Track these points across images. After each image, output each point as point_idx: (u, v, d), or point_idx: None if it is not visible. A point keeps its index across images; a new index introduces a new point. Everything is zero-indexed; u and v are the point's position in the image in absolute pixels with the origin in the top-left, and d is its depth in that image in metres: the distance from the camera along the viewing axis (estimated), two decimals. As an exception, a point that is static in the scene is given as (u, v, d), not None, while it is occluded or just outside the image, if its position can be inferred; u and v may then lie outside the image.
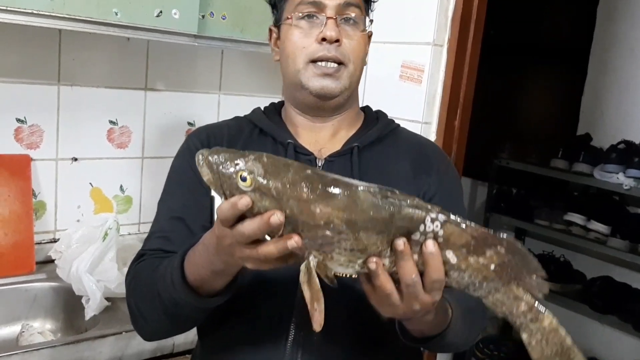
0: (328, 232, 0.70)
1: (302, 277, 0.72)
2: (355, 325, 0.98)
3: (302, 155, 1.03)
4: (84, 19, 1.45)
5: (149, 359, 1.38)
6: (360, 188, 0.71)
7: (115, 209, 1.93)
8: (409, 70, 1.80)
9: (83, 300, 1.52)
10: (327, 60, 1.00)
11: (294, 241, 0.69)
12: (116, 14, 1.49)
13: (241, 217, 0.72)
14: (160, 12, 1.55)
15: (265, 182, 0.70)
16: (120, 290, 1.54)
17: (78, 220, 1.84)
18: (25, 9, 1.37)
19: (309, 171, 0.72)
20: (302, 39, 1.01)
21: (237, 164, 0.71)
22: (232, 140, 1.07)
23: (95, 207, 1.89)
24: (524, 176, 3.13)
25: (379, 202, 0.71)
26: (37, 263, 1.70)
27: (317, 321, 0.73)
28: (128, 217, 1.96)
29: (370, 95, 1.89)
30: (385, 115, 1.16)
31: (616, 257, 2.74)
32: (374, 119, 1.12)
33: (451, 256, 0.73)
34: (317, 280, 0.72)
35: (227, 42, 1.74)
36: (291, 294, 0.96)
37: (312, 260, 0.72)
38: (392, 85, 1.83)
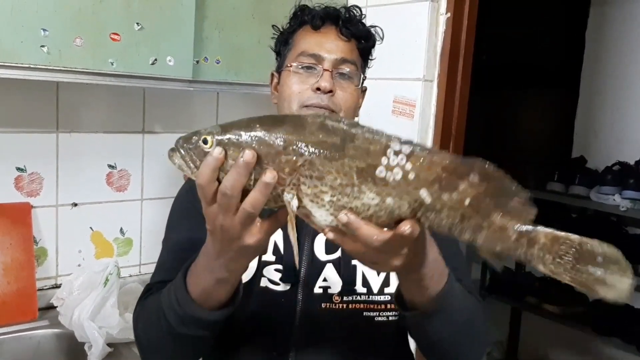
0: (287, 157, 0.70)
1: (289, 225, 0.72)
2: (352, 356, 0.99)
3: None
4: (80, 70, 1.49)
5: (153, 406, 1.37)
6: (308, 116, 0.73)
7: (115, 252, 1.95)
8: (401, 106, 1.83)
9: (86, 347, 1.52)
10: (319, 107, 1.05)
11: (268, 174, 0.69)
12: (112, 63, 1.52)
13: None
14: (155, 59, 1.58)
15: (224, 136, 0.72)
16: (122, 336, 1.55)
17: (79, 265, 1.85)
18: (22, 63, 1.40)
19: (259, 116, 0.74)
20: (298, 85, 1.07)
21: (196, 134, 0.74)
22: None
23: (96, 251, 1.90)
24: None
25: (328, 126, 0.71)
26: (39, 309, 1.71)
27: (296, 258, 0.77)
28: (129, 259, 1.98)
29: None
30: None
31: (617, 278, 2.74)
32: None
33: (425, 195, 0.69)
34: (293, 218, 0.72)
35: (222, 85, 1.77)
36: (288, 326, 1.00)
37: (287, 197, 0.71)
38: (385, 120, 1.86)
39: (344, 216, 0.69)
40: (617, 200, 2.64)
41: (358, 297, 1.01)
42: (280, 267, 1.03)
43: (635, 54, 3.00)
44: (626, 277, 0.68)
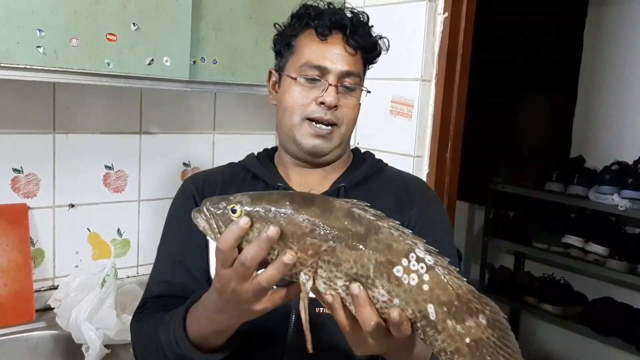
0: (312, 240, 0.72)
1: (301, 304, 0.74)
2: None
3: None
4: (77, 71, 1.48)
5: (150, 407, 1.37)
6: (338, 200, 0.75)
7: (113, 253, 1.94)
8: (399, 106, 1.82)
9: (83, 349, 1.52)
10: (322, 122, 1.05)
11: (288, 255, 0.72)
12: (108, 64, 1.52)
13: None
14: (152, 60, 1.58)
15: (252, 207, 0.74)
16: (120, 337, 1.54)
17: (76, 266, 1.85)
18: (19, 64, 1.39)
19: (290, 192, 0.78)
20: (302, 98, 1.06)
21: (225, 201, 0.76)
22: (226, 184, 1.12)
23: (94, 252, 1.90)
24: (520, 199, 3.15)
25: (354, 214, 0.72)
26: (37, 311, 1.70)
27: (308, 341, 0.75)
28: (126, 260, 1.97)
29: (362, 131, 1.91)
30: (372, 155, 1.20)
31: (616, 278, 2.74)
32: (361, 160, 1.17)
33: (431, 311, 0.70)
34: (307, 299, 0.73)
35: (219, 85, 1.77)
36: (282, 340, 1.00)
37: (304, 278, 0.73)
38: (384, 121, 1.85)
39: (356, 287, 0.70)
40: (616, 200, 2.63)
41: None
42: None
43: (634, 53, 2.99)
44: None
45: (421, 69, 1.76)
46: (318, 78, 1.06)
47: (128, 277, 1.96)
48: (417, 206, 1.10)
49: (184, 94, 1.98)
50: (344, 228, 0.72)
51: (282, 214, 0.73)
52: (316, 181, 1.11)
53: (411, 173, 1.25)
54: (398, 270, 0.70)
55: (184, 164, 2.06)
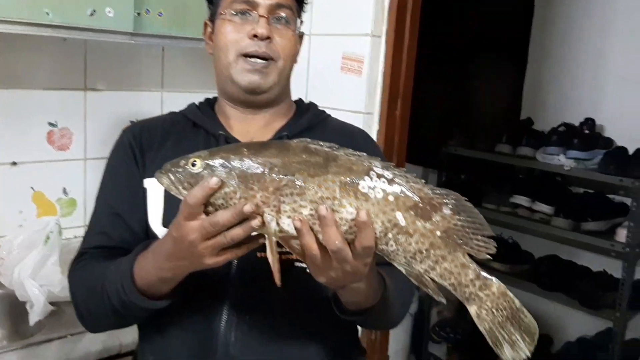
0: (271, 177, 0.75)
1: (267, 244, 0.78)
2: (290, 308, 1.01)
3: None
4: (15, 20, 1.42)
5: (96, 361, 1.37)
6: (292, 141, 0.79)
7: (59, 213, 1.90)
8: (349, 62, 1.82)
9: (27, 306, 1.49)
10: (257, 56, 1.03)
11: (248, 205, 0.75)
12: (48, 14, 1.46)
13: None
14: (94, 10, 1.53)
15: (212, 159, 0.78)
16: (65, 294, 1.50)
17: (21, 226, 1.80)
18: (-50, 11, 1.33)
19: (244, 142, 0.81)
20: (234, 34, 1.04)
21: (185, 158, 0.80)
22: (166, 134, 1.10)
23: (38, 212, 1.85)
24: (472, 162, 3.20)
25: (311, 148, 0.77)
26: (-21, 271, 1.66)
27: (277, 278, 0.80)
28: (73, 220, 1.93)
29: (313, 88, 1.91)
30: (316, 106, 1.19)
31: (561, 236, 2.84)
32: (305, 110, 1.16)
33: (400, 218, 0.74)
34: (272, 240, 0.78)
35: (166, 39, 1.72)
36: (224, 276, 1.00)
37: (268, 218, 0.76)
38: (334, 77, 1.85)
39: (323, 208, 0.73)
40: (562, 160, 2.70)
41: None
42: None
43: (583, 19, 3.05)
44: (528, 350, 0.78)
45: (371, 24, 1.76)
46: (248, 11, 1.03)
47: (75, 237, 1.92)
48: None
49: (130, 50, 1.92)
50: (303, 161, 0.76)
51: (241, 160, 0.77)
52: (258, 130, 1.10)
53: (358, 126, 1.24)
54: (363, 187, 0.75)
55: (132, 122, 2.00)
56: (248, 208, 0.75)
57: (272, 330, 1.01)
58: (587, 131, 2.76)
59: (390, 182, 0.75)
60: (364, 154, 0.77)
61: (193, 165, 0.78)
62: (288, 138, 1.07)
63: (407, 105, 1.81)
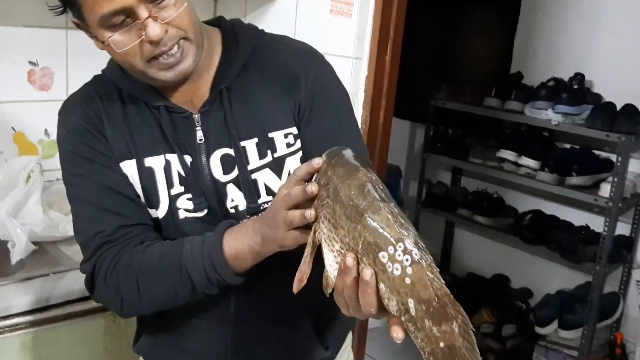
0: (321, 192, 0.78)
1: (307, 254, 0.80)
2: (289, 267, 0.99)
3: (177, 114, 1.00)
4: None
5: (78, 299, 1.36)
6: (364, 171, 0.77)
7: (40, 154, 1.86)
8: (338, 4, 1.77)
9: (9, 245, 1.48)
10: (167, 57, 0.92)
11: (309, 187, 0.78)
12: (25, -58, 1.40)
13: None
14: (74, -59, 1.46)
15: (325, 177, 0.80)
16: (47, 233, 1.50)
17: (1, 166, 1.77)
18: None
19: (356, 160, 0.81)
20: (128, 49, 0.90)
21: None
22: (109, 110, 1.01)
23: (19, 152, 1.82)
24: (460, 116, 3.19)
25: (364, 189, 0.74)
26: (-42, 211, 1.64)
27: (296, 287, 0.81)
28: (55, 162, 1.88)
29: (300, 31, 1.87)
30: (242, 28, 1.06)
31: (545, 190, 2.85)
32: (233, 40, 1.04)
33: (412, 307, 0.70)
34: (314, 245, 0.79)
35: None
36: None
37: (314, 225, 0.79)
38: (323, 20, 1.80)
39: (368, 274, 0.71)
40: (550, 115, 2.69)
41: (266, 206, 0.99)
42: (191, 195, 1.00)
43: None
44: None
45: (362, -34, 1.70)
46: (124, 21, 0.88)
47: (57, 179, 1.89)
48: (304, 86, 1.02)
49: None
50: (349, 196, 0.74)
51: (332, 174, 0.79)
52: (195, 87, 1.01)
53: (295, 40, 1.12)
54: (383, 256, 0.71)
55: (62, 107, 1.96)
56: (309, 189, 0.78)
57: (273, 296, 1.03)
58: (576, 86, 2.74)
59: (414, 263, 0.69)
60: (407, 220, 0.72)
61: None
62: (227, 89, 1.00)
63: (397, 50, 1.77)
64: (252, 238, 0.89)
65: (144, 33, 0.88)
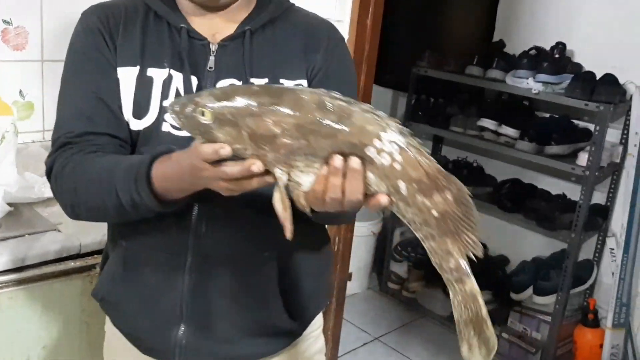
0: (284, 141, 0.75)
1: (275, 196, 0.79)
2: (255, 199, 1.00)
3: (196, 40, 1.03)
4: None
5: (54, 260, 1.35)
6: (306, 91, 0.77)
7: (16, 116, 1.83)
8: (320, -34, 1.75)
9: (-17, 206, 1.46)
10: None
11: (256, 166, 0.76)
12: None
13: None
14: None
15: (221, 110, 0.76)
16: (22, 194, 1.49)
17: (-25, 127, 1.74)
18: None
19: (255, 86, 0.79)
20: None
21: (192, 102, 0.78)
22: (129, 21, 1.05)
23: (-7, 113, 1.78)
24: (441, 85, 3.19)
25: (326, 104, 0.75)
26: None
27: (288, 230, 0.79)
28: (31, 124, 1.87)
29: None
30: None
31: (524, 159, 2.88)
32: (267, 1, 1.10)
33: (402, 187, 0.75)
34: (287, 198, 0.78)
35: None
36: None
37: (279, 173, 0.77)
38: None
39: (357, 162, 0.74)
40: (531, 84, 2.70)
41: None
42: None
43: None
44: (481, 358, 0.81)
45: None
46: None
47: (33, 141, 1.87)
48: (324, 52, 1.07)
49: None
50: (316, 122, 0.75)
51: (252, 117, 0.75)
52: (220, 25, 1.05)
53: (322, 17, 1.17)
54: (370, 151, 0.74)
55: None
56: (255, 168, 0.76)
57: (241, 221, 1.02)
58: (557, 55, 2.75)
59: (401, 150, 0.74)
60: (383, 113, 0.76)
61: (202, 114, 0.77)
62: (251, 32, 1.04)
63: (379, 14, 1.77)
64: (177, 167, 0.88)
65: None
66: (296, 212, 1.01)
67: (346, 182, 0.76)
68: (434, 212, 0.75)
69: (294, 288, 1.12)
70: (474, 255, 0.78)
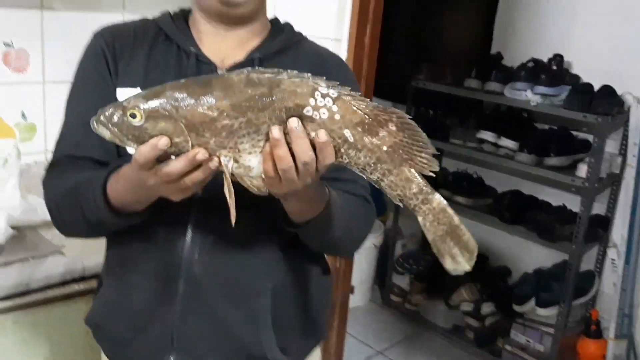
0: (223, 122, 0.76)
1: (225, 185, 0.78)
2: (252, 227, 1.01)
3: (204, 64, 1.04)
4: None
5: (59, 284, 1.36)
6: (233, 74, 0.78)
7: (18, 137, 1.84)
8: (318, -14, 1.77)
9: (-14, 230, 1.46)
10: None
11: (200, 153, 0.76)
12: None
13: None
14: None
15: (151, 107, 0.76)
16: (26, 217, 1.50)
17: (-23, 150, 1.75)
18: None
19: (182, 80, 0.78)
20: None
21: (121, 108, 0.77)
22: (138, 42, 1.06)
23: (-4, 136, 1.80)
24: (440, 97, 3.20)
25: (254, 80, 0.77)
26: None
27: (232, 216, 0.79)
28: (33, 145, 1.88)
29: (282, 10, 1.85)
30: (291, 27, 1.15)
31: (524, 171, 2.89)
32: (280, 30, 1.12)
33: (349, 135, 0.78)
34: (229, 179, 0.78)
35: (126, -45, 1.64)
36: (187, 201, 0.97)
37: (224, 160, 0.77)
38: (303, 1, 1.80)
39: (295, 121, 0.75)
40: (529, 96, 2.71)
41: None
42: None
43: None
44: (467, 265, 0.84)
45: (342, -54, 1.70)
46: None
47: (36, 162, 1.88)
48: (332, 78, 1.08)
49: (88, -34, 1.83)
50: (250, 97, 0.76)
51: (186, 107, 0.76)
52: (230, 48, 1.06)
53: (331, 51, 1.21)
54: (308, 111, 0.77)
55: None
56: (201, 156, 0.76)
57: (234, 249, 1.01)
58: (554, 67, 2.77)
59: (336, 100, 0.77)
60: (308, 74, 0.78)
61: (133, 117, 0.76)
62: (260, 60, 1.04)
63: (377, 31, 1.78)
64: (126, 182, 0.89)
65: None
66: (295, 242, 1.01)
67: (293, 147, 0.76)
68: (384, 147, 0.78)
69: (288, 322, 1.09)
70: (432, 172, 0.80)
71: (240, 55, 1.05)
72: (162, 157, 0.78)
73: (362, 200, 1.06)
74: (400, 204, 0.81)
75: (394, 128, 0.77)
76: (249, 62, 1.04)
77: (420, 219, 0.82)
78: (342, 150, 0.78)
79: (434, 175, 0.80)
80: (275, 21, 1.14)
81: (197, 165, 0.77)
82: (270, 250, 1.04)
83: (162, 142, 0.75)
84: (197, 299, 1.01)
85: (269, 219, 0.99)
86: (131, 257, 1.05)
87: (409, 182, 0.79)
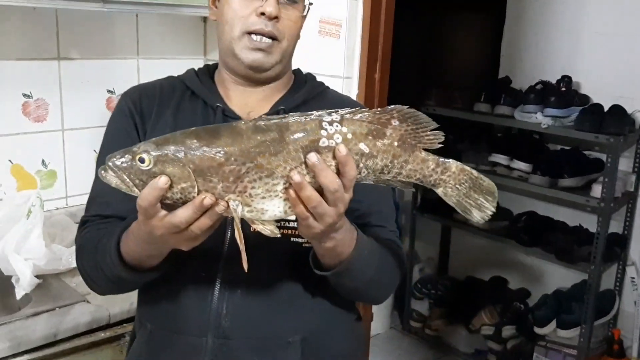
0: (230, 167, 0.77)
1: (235, 229, 0.79)
2: (282, 282, 1.02)
3: (231, 119, 1.06)
4: (-19, -10, 1.39)
5: (85, 332, 1.38)
6: (241, 122, 0.81)
7: (39, 185, 1.89)
8: (327, 26, 1.80)
9: (13, 280, 1.49)
10: (262, 34, 1.02)
11: (207, 198, 0.77)
12: (16, -18, 1.42)
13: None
14: (64, -22, 1.49)
15: (160, 152, 0.77)
16: (51, 267, 1.53)
17: (1, 199, 1.79)
18: None
19: (192, 128, 0.80)
20: (242, 9, 1.02)
21: (131, 153, 0.78)
22: (164, 100, 1.10)
23: (18, 184, 1.84)
24: (450, 121, 3.22)
25: (262, 126, 0.79)
26: (-39, 246, 1.65)
27: (244, 260, 0.80)
28: (54, 192, 1.92)
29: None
30: (313, 78, 1.18)
31: (538, 192, 2.89)
32: (303, 82, 1.15)
33: (364, 147, 0.82)
34: (239, 224, 0.79)
35: (140, 5, 1.69)
36: (217, 251, 1.01)
37: (233, 204, 0.78)
38: (313, 41, 1.83)
39: (313, 156, 0.77)
40: (539, 118, 2.73)
41: (286, 223, 1.01)
42: None
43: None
44: (492, 207, 0.89)
45: (349, -13, 1.73)
46: None
47: (57, 208, 1.92)
48: None
49: (102, 17, 1.88)
50: (260, 142, 0.78)
51: (193, 153, 0.77)
52: (256, 102, 1.09)
53: (352, 98, 1.22)
54: (323, 142, 0.80)
55: (108, 91, 1.98)
56: (208, 201, 0.77)
57: (263, 302, 1.02)
58: (563, 88, 2.78)
59: (342, 122, 0.81)
60: (313, 112, 0.82)
61: (141, 161, 0.77)
62: (285, 112, 1.06)
63: (387, 68, 1.81)
64: (137, 239, 0.91)
65: (261, 5, 1.00)
66: (326, 292, 1.02)
67: (320, 179, 0.78)
68: (395, 143, 0.83)
69: None
70: None
71: (265, 108, 1.08)
72: (170, 207, 0.79)
73: (392, 243, 1.08)
74: (413, 189, 0.86)
75: (397, 122, 0.83)
76: (274, 114, 1.05)
77: (440, 190, 0.87)
78: (361, 164, 0.82)
79: (443, 146, 0.85)
80: (297, 72, 1.18)
81: (204, 212, 0.78)
82: (301, 303, 1.05)
83: (162, 180, 0.76)
84: (226, 353, 1.02)
85: (302, 276, 1.01)
86: (161, 313, 1.06)
87: (425, 162, 0.85)
